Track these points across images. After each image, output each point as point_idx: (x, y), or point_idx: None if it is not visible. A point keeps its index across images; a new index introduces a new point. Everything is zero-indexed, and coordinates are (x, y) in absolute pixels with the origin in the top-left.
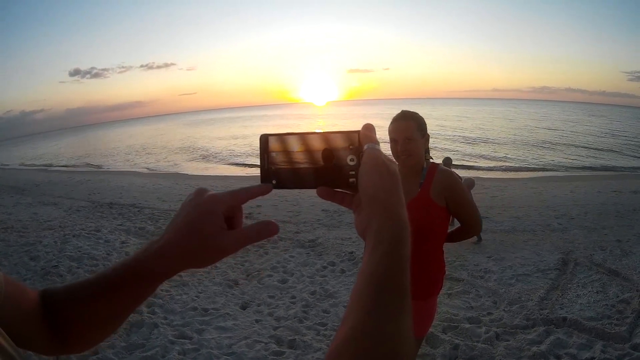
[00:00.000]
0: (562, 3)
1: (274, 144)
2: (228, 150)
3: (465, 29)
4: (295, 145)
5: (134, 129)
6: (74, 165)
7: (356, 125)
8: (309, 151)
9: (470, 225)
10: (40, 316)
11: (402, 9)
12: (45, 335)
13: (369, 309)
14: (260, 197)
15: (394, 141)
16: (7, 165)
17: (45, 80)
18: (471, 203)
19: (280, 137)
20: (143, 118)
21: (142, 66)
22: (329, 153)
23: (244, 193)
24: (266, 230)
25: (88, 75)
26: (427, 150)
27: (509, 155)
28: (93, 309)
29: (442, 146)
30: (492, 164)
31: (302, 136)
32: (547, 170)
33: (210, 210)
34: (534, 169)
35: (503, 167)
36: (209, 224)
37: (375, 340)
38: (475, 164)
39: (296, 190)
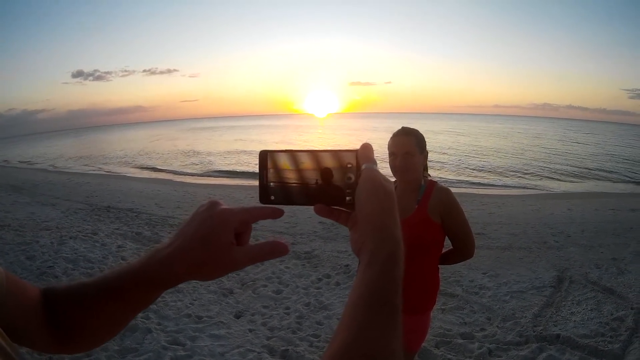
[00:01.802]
0: (564, 21)
1: (272, 161)
2: (227, 159)
3: (468, 45)
4: (293, 163)
5: (135, 133)
6: (72, 167)
7: (355, 138)
8: (307, 169)
9: (464, 246)
10: (41, 314)
11: (406, 24)
12: (45, 333)
13: (362, 325)
14: (287, 244)
15: (392, 155)
16: (7, 163)
17: (48, 81)
18: (465, 222)
19: (279, 153)
20: (144, 123)
21: (145, 71)
22: (327, 171)
23: (257, 212)
24: (277, 250)
25: (91, 78)
26: (426, 168)
27: (506, 171)
28: (95, 312)
29: (439, 160)
30: (490, 179)
31: (301, 154)
32: (543, 188)
33: (225, 223)
34: (532, 187)
35: (500, 183)
36: (222, 236)
37: (366, 355)
38: (473, 180)
39: None
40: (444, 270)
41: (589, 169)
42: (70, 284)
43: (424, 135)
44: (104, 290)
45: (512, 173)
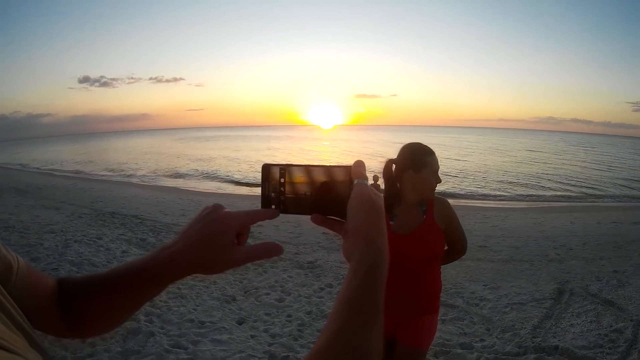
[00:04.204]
0: (567, 34)
1: (274, 174)
2: (230, 169)
3: (473, 59)
4: (293, 176)
5: (139, 141)
6: (78, 171)
7: (358, 149)
8: (305, 182)
9: (462, 245)
10: (56, 302)
11: (411, 37)
12: (58, 319)
13: (345, 325)
14: (281, 245)
15: (435, 174)
16: (10, 166)
17: (54, 85)
18: (461, 227)
19: (280, 167)
20: (148, 130)
21: (151, 79)
22: (323, 185)
23: (255, 214)
24: (272, 250)
25: (97, 84)
26: None
27: (509, 185)
28: (105, 302)
29: (444, 172)
30: (493, 192)
31: (300, 168)
32: (547, 200)
33: (227, 225)
34: (535, 200)
35: (504, 197)
36: (223, 237)
37: (347, 351)
38: (477, 192)
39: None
40: (445, 282)
41: (591, 182)
42: (84, 276)
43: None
44: (113, 283)
45: (515, 186)
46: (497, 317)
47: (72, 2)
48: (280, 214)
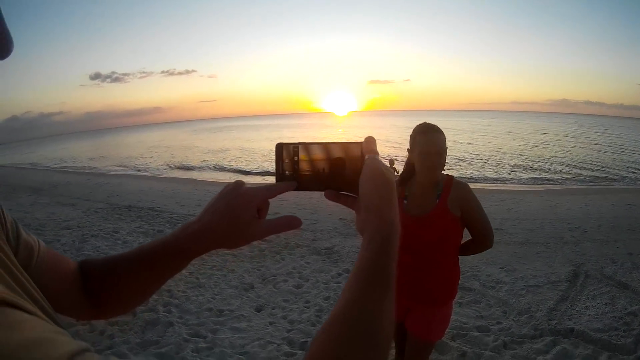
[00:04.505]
0: (580, 16)
1: (287, 152)
2: (243, 159)
3: (486, 42)
4: (306, 153)
5: (153, 134)
6: (91, 167)
7: (372, 135)
8: (318, 159)
9: (483, 236)
10: (78, 283)
11: (423, 22)
12: (80, 300)
13: (358, 293)
14: (280, 205)
15: (426, 154)
16: (24, 165)
17: (65, 83)
18: (484, 214)
19: (293, 146)
20: (162, 124)
21: (162, 72)
22: (336, 161)
23: (275, 189)
24: (291, 223)
25: (109, 80)
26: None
27: (523, 167)
28: (130, 279)
29: (458, 156)
30: (507, 175)
31: (312, 145)
32: (561, 183)
33: (248, 201)
34: (549, 182)
35: (519, 180)
36: (245, 212)
37: (360, 316)
38: (491, 175)
39: (315, 199)
40: (462, 266)
41: (604, 165)
42: (109, 256)
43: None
44: (139, 260)
45: (529, 169)
46: (514, 300)
47: (77, 0)
48: (296, 190)
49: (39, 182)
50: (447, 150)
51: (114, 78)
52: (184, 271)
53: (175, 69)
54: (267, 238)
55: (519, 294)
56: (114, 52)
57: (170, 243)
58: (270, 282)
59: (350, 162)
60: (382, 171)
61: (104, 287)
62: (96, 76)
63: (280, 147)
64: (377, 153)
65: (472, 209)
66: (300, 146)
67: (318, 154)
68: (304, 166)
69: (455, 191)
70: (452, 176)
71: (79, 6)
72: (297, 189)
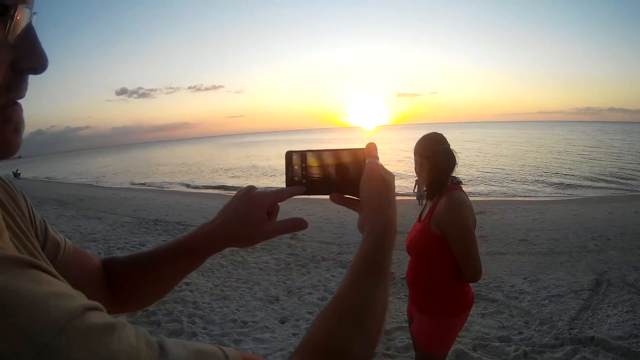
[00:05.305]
0: (602, 21)
1: (296, 159)
2: (272, 172)
3: (511, 53)
4: (312, 160)
5: (182, 149)
6: (119, 182)
7: (399, 149)
8: (323, 165)
9: (463, 267)
10: (102, 278)
11: (449, 34)
12: (104, 294)
13: (352, 282)
14: (308, 218)
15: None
16: (49, 178)
17: (91, 98)
18: (466, 242)
19: (301, 153)
20: (190, 139)
21: (190, 87)
22: (340, 166)
23: (284, 193)
24: (297, 224)
25: (135, 95)
26: (440, 172)
27: (548, 178)
28: (151, 275)
29: (479, 169)
30: (532, 186)
31: (319, 152)
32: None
33: (258, 203)
34: (573, 189)
35: (544, 191)
36: (256, 213)
37: (354, 297)
38: (515, 188)
39: (342, 213)
40: (486, 276)
41: (628, 172)
42: (130, 255)
43: (456, 142)
44: (159, 257)
45: (552, 179)
46: (536, 310)
47: (104, 17)
48: (304, 194)
49: (64, 195)
50: (457, 160)
51: (141, 94)
52: (209, 284)
53: (202, 85)
54: (293, 252)
55: (541, 303)
56: (141, 68)
57: (187, 242)
58: (295, 294)
59: (353, 167)
60: (380, 173)
61: (127, 282)
62: (122, 91)
63: (289, 155)
64: (377, 158)
65: (446, 228)
66: (307, 153)
67: (324, 160)
68: (312, 172)
69: (439, 207)
70: (456, 187)
71: (104, 23)
72: (306, 193)
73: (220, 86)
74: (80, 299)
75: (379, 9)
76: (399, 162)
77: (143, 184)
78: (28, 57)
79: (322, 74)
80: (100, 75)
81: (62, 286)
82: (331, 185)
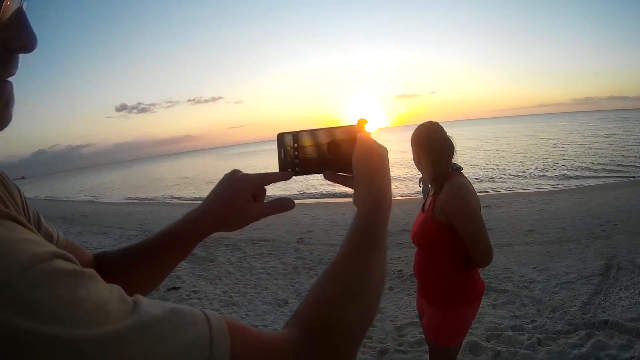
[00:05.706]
0: (598, 11)
1: (287, 140)
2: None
3: (507, 48)
4: (304, 140)
5: (184, 162)
6: (122, 197)
7: (402, 151)
8: (316, 144)
9: (473, 251)
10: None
11: (444, 33)
12: None
13: (347, 248)
14: (314, 223)
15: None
16: (53, 197)
17: (91, 116)
18: (474, 225)
19: (293, 134)
20: (192, 151)
21: (189, 100)
22: (332, 144)
23: (269, 176)
24: (284, 204)
25: (135, 110)
26: (440, 161)
27: (552, 169)
28: (140, 268)
29: (478, 165)
30: (536, 178)
31: (311, 132)
32: (589, 179)
33: (241, 185)
34: (577, 178)
35: (547, 181)
36: (240, 196)
37: (349, 265)
38: (519, 179)
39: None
40: (495, 268)
41: (630, 159)
42: (120, 248)
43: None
44: (147, 250)
45: (555, 170)
46: (547, 298)
47: (100, 34)
48: (295, 176)
49: (69, 212)
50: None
51: (141, 109)
52: (218, 291)
53: (201, 97)
54: (301, 255)
55: (552, 291)
56: (139, 83)
57: (174, 231)
58: (304, 297)
59: (345, 144)
60: (372, 144)
61: (119, 274)
62: (122, 107)
63: (281, 137)
64: (369, 133)
65: (452, 213)
66: (299, 134)
67: (315, 140)
68: (304, 152)
69: (443, 193)
70: (457, 174)
71: (100, 39)
72: (299, 173)
73: (219, 97)
74: (50, 246)
75: (375, 14)
76: (397, 164)
77: (146, 198)
78: (19, 37)
79: (321, 80)
80: (99, 92)
81: (35, 236)
82: (324, 164)
